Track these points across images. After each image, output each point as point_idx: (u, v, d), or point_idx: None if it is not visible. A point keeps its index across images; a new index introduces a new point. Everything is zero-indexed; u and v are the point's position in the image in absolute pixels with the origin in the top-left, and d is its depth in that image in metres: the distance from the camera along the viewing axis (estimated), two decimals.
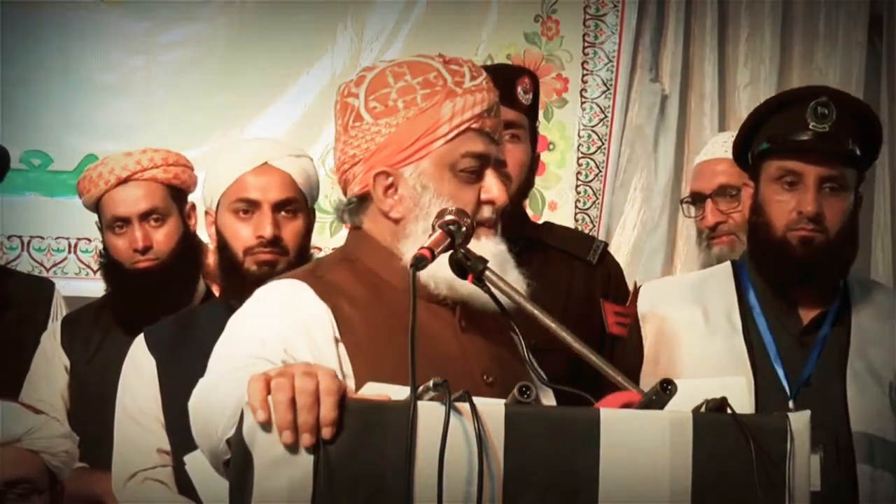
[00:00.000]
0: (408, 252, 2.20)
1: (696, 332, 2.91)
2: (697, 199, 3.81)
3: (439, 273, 2.21)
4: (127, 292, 3.43)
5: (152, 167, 3.41)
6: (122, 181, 3.40)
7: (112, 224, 3.43)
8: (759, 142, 2.93)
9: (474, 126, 2.27)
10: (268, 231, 2.98)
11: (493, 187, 2.28)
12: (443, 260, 2.17)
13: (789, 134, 2.86)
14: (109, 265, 3.49)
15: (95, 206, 3.48)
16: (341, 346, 2.19)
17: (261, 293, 2.29)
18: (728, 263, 3.07)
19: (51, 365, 3.46)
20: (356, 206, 2.35)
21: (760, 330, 2.89)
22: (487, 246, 2.26)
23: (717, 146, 3.82)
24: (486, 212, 2.29)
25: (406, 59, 2.35)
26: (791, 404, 2.77)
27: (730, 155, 3.21)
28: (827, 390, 2.82)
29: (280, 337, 2.14)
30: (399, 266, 2.23)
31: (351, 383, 2.12)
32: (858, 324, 2.92)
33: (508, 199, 2.32)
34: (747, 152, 3.00)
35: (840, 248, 2.88)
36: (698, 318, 2.93)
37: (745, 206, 3.01)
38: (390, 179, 2.28)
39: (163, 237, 3.42)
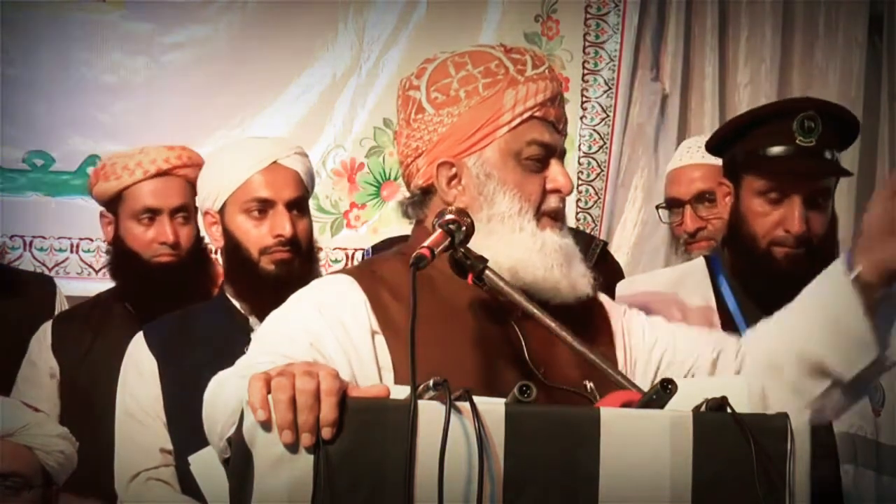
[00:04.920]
0: (470, 242, 2.20)
1: None
2: (674, 204, 3.82)
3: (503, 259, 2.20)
4: (144, 284, 3.40)
5: (187, 165, 3.40)
6: (162, 173, 3.38)
7: (139, 214, 3.40)
8: (741, 149, 2.90)
9: (538, 114, 2.26)
10: (287, 230, 2.99)
11: (559, 176, 2.26)
12: (501, 246, 2.19)
13: (775, 148, 2.83)
14: (121, 256, 3.45)
15: (117, 193, 3.43)
16: (380, 337, 2.18)
17: (303, 290, 2.28)
18: (702, 261, 3.05)
19: (36, 370, 3.44)
20: (419, 199, 2.33)
21: (740, 330, 2.87)
22: (551, 238, 2.25)
23: (692, 152, 3.81)
24: (553, 201, 2.27)
25: (467, 49, 2.34)
26: None
27: (705, 161, 3.17)
28: None
29: (309, 332, 2.13)
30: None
31: (389, 376, 2.13)
32: None
33: (572, 187, 2.29)
34: (722, 150, 2.97)
35: (823, 255, 2.84)
36: (676, 318, 2.88)
37: (721, 205, 2.99)
38: (454, 170, 2.27)
39: (186, 235, 3.40)
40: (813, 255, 2.83)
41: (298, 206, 3.06)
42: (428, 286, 2.22)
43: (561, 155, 2.29)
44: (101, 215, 3.52)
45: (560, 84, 2.33)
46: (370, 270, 2.29)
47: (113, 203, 3.46)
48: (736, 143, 2.92)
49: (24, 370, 3.47)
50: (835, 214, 2.92)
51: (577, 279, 2.27)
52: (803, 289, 2.80)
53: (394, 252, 2.38)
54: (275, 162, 3.06)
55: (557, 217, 2.28)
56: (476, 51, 2.32)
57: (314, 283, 2.30)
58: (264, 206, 3.02)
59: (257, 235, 3.02)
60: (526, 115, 2.25)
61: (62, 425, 3.14)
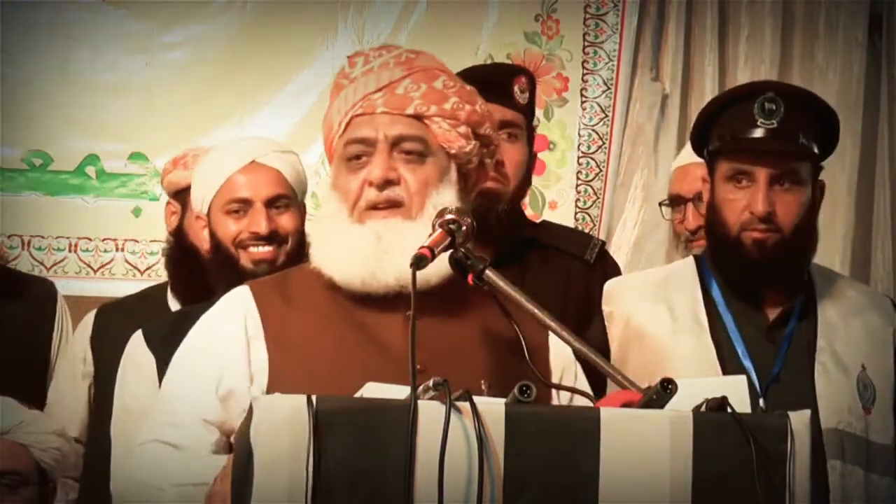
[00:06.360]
0: (325, 252, 2.26)
1: (662, 331, 2.88)
2: (677, 201, 3.82)
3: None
4: (197, 279, 3.34)
5: None
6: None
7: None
8: (711, 139, 2.89)
9: (359, 112, 2.26)
10: (263, 227, 2.99)
11: (374, 166, 2.23)
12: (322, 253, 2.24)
13: (738, 132, 2.82)
14: (179, 248, 3.43)
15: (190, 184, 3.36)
16: (259, 343, 2.22)
17: (205, 314, 2.38)
18: (691, 259, 3.04)
19: (68, 363, 3.46)
20: None
21: (727, 327, 2.86)
22: (371, 228, 2.23)
23: None
24: (370, 194, 2.23)
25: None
26: (762, 402, 2.76)
27: None
28: (796, 387, 2.80)
29: (192, 371, 2.29)
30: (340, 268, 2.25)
31: (262, 378, 2.18)
32: (824, 317, 2.90)
33: (385, 173, 2.21)
34: (703, 148, 2.97)
35: (797, 244, 2.84)
36: (664, 316, 2.90)
37: (706, 201, 2.98)
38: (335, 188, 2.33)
39: None
40: (786, 244, 2.81)
41: (279, 204, 3.05)
42: (331, 300, 2.25)
43: (393, 142, 2.24)
44: (168, 204, 3.54)
45: (412, 66, 2.29)
46: (277, 278, 2.35)
47: (182, 194, 3.44)
48: (708, 134, 2.91)
49: (60, 361, 3.49)
50: (815, 205, 2.89)
51: (402, 262, 2.09)
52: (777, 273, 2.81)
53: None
54: (253, 161, 3.05)
55: (389, 205, 2.22)
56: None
57: (218, 302, 2.37)
58: (244, 206, 3.02)
59: (235, 231, 3.02)
60: (348, 118, 2.26)
61: (91, 419, 3.14)
